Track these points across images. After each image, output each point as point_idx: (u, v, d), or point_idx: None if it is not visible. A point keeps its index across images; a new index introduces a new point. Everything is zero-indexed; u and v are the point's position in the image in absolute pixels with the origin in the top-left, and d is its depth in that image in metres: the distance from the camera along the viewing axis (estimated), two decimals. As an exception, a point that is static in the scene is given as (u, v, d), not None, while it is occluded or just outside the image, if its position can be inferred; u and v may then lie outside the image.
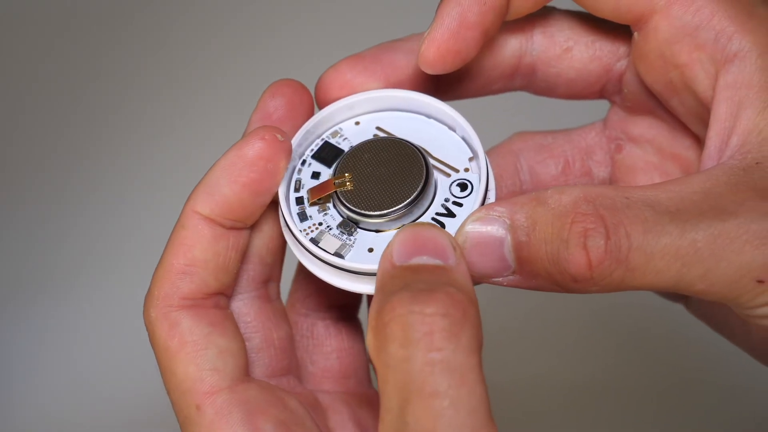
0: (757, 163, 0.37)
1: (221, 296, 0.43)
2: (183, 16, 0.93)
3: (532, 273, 0.37)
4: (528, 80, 0.47)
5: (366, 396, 0.48)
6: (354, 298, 0.49)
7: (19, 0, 0.90)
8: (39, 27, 0.91)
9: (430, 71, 0.43)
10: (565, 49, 0.45)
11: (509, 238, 0.37)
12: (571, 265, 0.36)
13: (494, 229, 0.37)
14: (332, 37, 0.92)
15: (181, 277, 0.41)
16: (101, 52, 0.91)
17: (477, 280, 0.38)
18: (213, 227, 0.42)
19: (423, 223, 0.40)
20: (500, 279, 0.38)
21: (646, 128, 0.46)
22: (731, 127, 0.38)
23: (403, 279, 0.35)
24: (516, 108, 0.73)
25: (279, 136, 0.41)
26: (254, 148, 0.41)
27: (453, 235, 0.38)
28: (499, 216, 0.37)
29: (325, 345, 0.47)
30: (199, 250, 0.41)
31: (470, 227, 0.38)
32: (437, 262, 0.36)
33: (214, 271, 0.42)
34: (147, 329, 0.42)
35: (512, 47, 0.45)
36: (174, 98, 0.92)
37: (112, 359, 0.84)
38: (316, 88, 0.45)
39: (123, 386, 0.82)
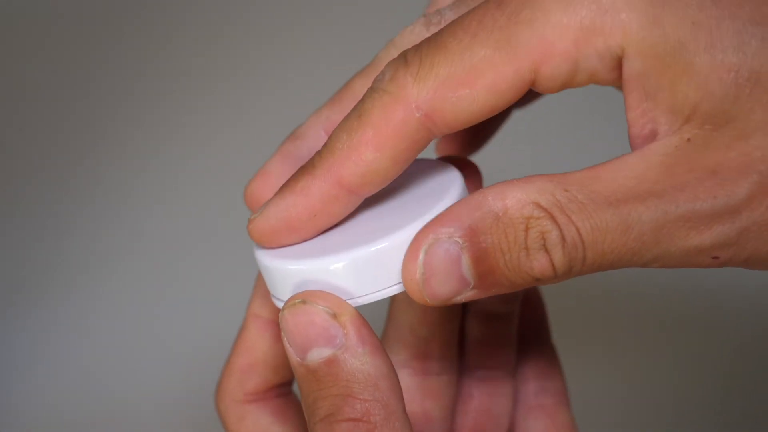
0: (688, 139, 0.36)
1: (284, 386, 0.46)
2: (191, 15, 0.93)
3: (493, 284, 0.37)
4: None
5: None
6: None
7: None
8: (45, 24, 0.92)
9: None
10: None
11: (465, 256, 0.36)
12: (536, 269, 0.36)
13: (448, 252, 0.36)
14: (335, 38, 0.93)
15: (245, 375, 0.45)
16: (106, 48, 0.92)
17: (441, 304, 0.38)
18: (273, 328, 0.44)
19: (298, 303, 0.38)
20: (460, 297, 0.38)
21: None
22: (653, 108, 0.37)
23: (310, 388, 0.37)
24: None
25: None
26: None
27: (331, 301, 0.38)
28: (449, 237, 0.36)
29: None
30: (260, 350, 0.45)
31: (423, 258, 0.37)
32: (327, 352, 0.37)
33: (274, 368, 0.45)
34: (220, 418, 0.46)
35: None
36: (179, 98, 0.92)
37: (115, 357, 0.84)
38: (246, 197, 0.44)
39: (126, 384, 0.83)
